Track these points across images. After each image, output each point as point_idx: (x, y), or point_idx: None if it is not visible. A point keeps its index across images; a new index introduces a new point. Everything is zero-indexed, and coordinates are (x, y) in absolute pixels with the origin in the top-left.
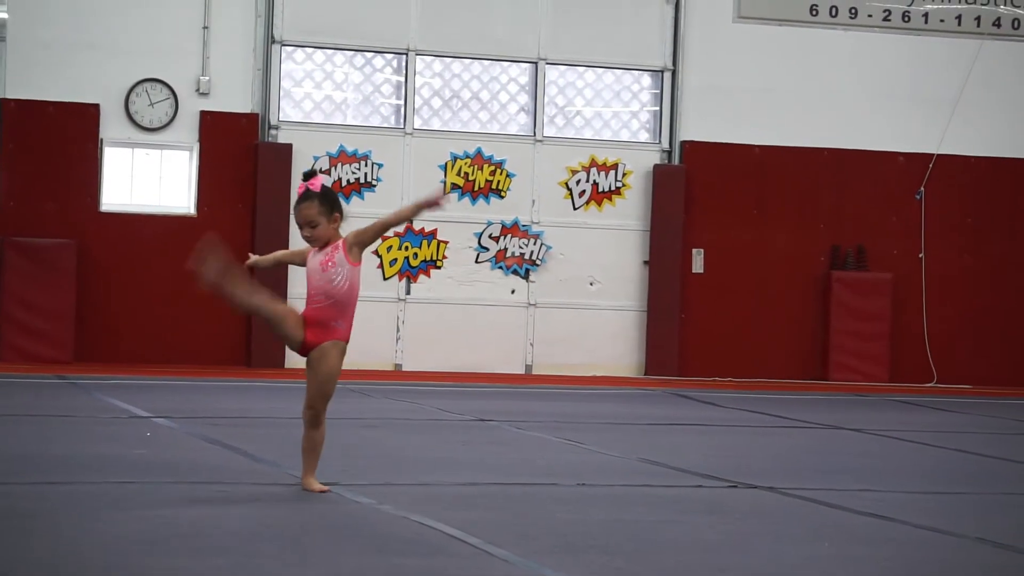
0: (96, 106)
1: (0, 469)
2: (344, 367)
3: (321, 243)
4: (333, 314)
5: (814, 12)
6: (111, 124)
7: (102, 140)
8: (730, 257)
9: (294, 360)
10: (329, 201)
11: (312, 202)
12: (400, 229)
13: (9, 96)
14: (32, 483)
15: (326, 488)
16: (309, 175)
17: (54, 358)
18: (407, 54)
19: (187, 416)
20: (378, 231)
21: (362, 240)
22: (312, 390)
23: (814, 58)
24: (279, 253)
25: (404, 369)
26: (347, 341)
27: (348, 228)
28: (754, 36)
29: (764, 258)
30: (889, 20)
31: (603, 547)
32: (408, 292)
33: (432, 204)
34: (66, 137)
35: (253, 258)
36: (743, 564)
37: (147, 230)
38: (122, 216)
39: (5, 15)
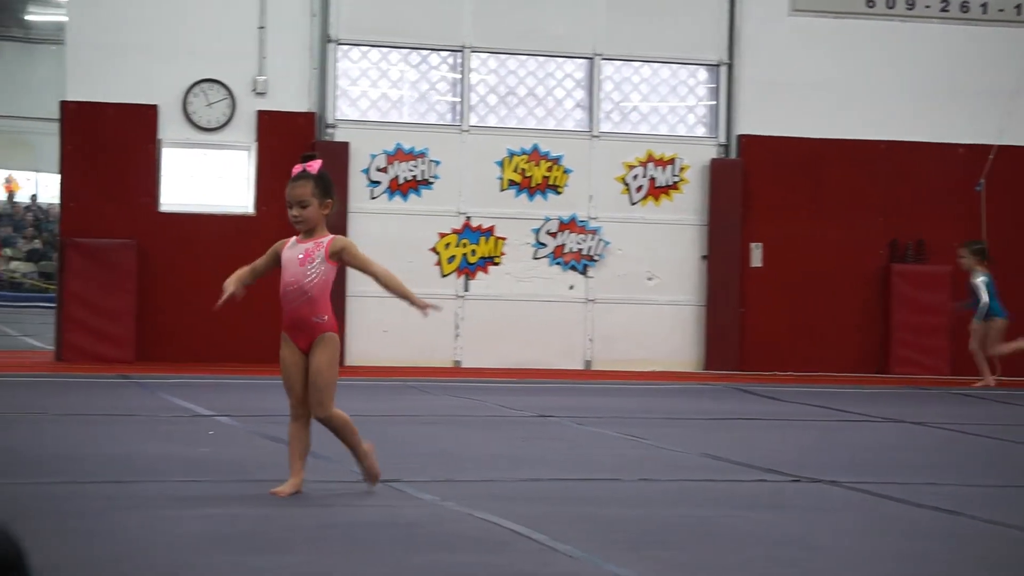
0: (154, 107)
1: (66, 468)
2: (404, 364)
3: (307, 227)
4: (310, 310)
5: (871, 4)
6: (169, 125)
7: (160, 141)
8: (788, 251)
9: (354, 358)
10: (324, 185)
11: (308, 182)
12: (458, 226)
13: (69, 98)
14: (99, 482)
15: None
16: (308, 157)
17: (116, 357)
18: (462, 51)
19: (249, 414)
20: (362, 268)
21: (347, 259)
22: (313, 394)
23: (871, 50)
24: (255, 264)
25: (463, 366)
26: (336, 331)
27: (405, 226)
28: (810, 29)
29: (823, 252)
30: (947, 11)
31: (666, 542)
32: (466, 289)
33: (416, 306)
34: (125, 138)
35: (231, 289)
36: (808, 559)
37: (206, 229)
38: (181, 216)
39: (65, 19)
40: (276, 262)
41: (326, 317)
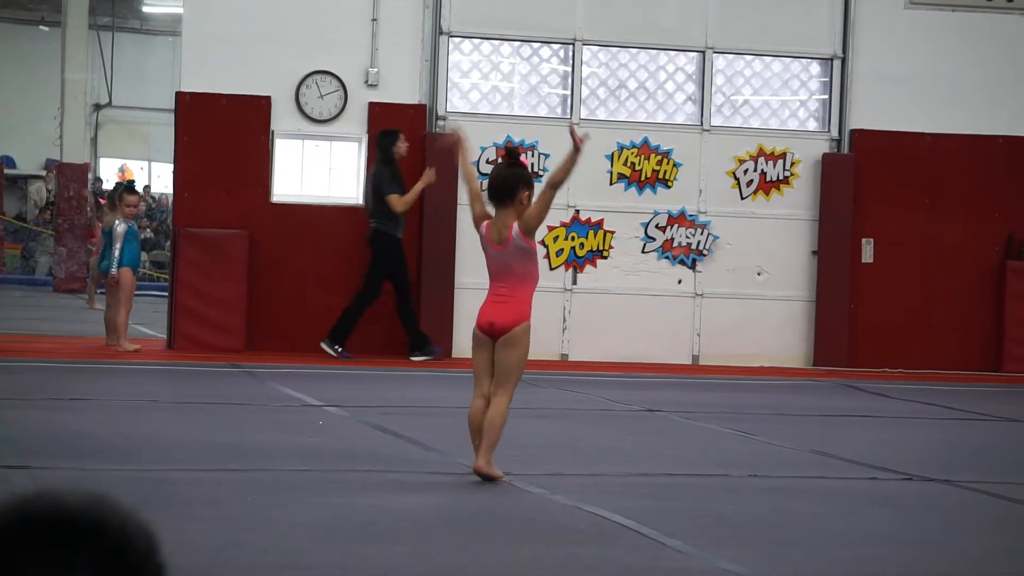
0: (268, 98)
1: (180, 456)
2: None
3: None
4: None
5: None
6: (282, 116)
7: (273, 132)
8: (900, 247)
9: (460, 350)
10: None
11: None
12: (567, 219)
13: (184, 89)
14: (211, 470)
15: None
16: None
17: (226, 346)
18: (574, 44)
19: (358, 405)
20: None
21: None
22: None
23: (988, 44)
24: (476, 184)
25: (570, 359)
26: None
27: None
28: (927, 22)
29: (936, 248)
30: None
31: (779, 539)
32: (575, 282)
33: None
34: (239, 129)
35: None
36: (923, 558)
37: (317, 220)
38: (293, 207)
39: (181, 11)
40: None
41: None
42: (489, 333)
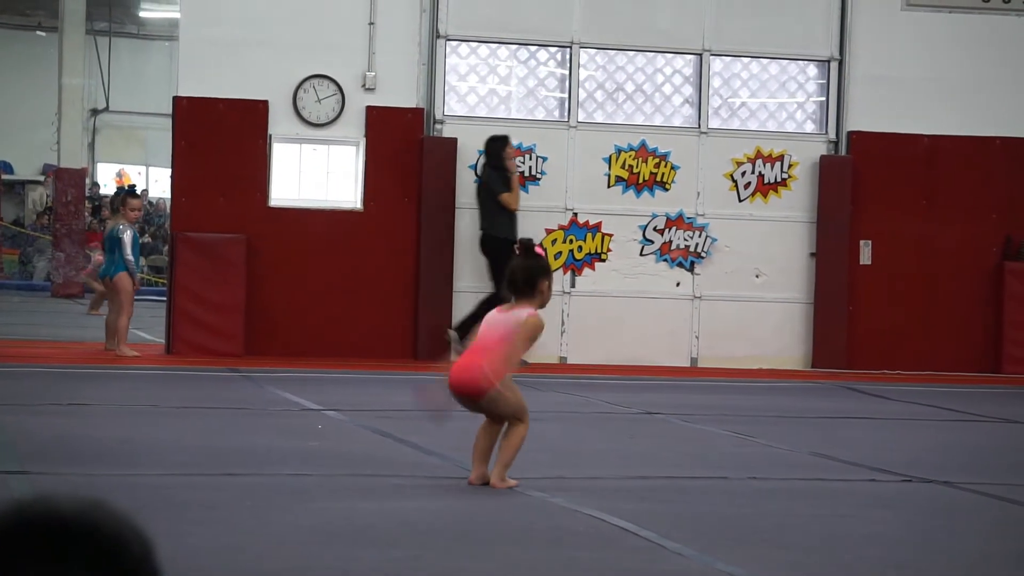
0: (265, 102)
1: (179, 460)
2: None
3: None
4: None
5: None
6: (279, 120)
7: (271, 136)
8: (898, 248)
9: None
10: None
11: None
12: (565, 222)
13: (181, 94)
14: (210, 474)
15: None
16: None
17: (225, 351)
18: (571, 47)
19: (357, 409)
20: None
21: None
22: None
23: (985, 45)
24: None
25: (569, 362)
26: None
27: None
28: (924, 24)
29: (934, 249)
30: None
31: (778, 541)
32: (573, 285)
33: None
34: (236, 133)
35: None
36: (922, 560)
37: (315, 225)
38: (290, 211)
39: (178, 15)
40: None
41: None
42: (458, 395)
